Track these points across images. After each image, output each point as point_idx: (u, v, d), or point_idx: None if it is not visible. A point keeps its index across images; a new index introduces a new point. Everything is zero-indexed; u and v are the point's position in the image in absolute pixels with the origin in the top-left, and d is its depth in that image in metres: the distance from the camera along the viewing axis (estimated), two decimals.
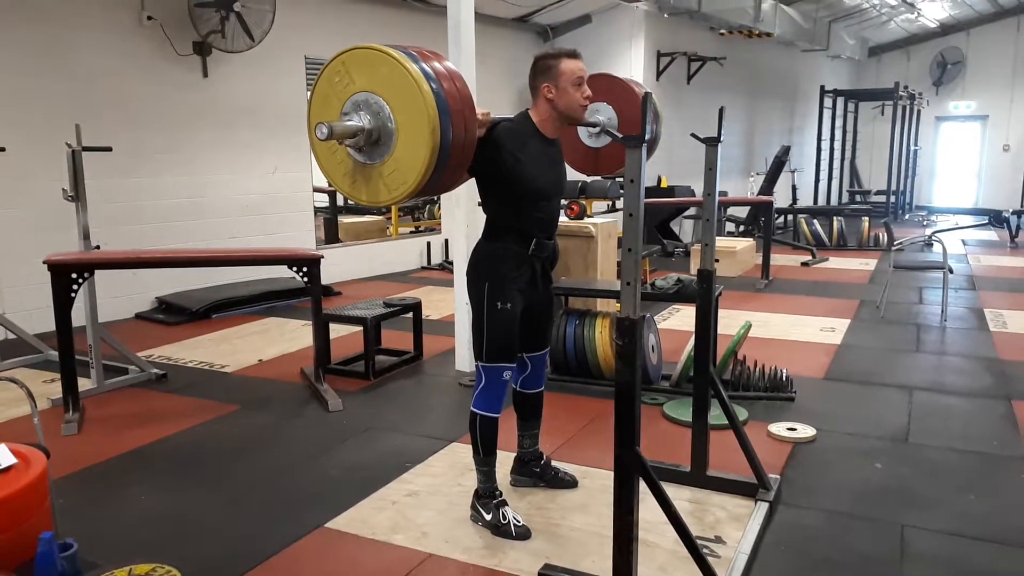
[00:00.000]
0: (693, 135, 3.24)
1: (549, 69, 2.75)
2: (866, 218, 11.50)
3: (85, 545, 2.52)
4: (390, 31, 8.32)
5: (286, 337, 5.94)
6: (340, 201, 9.38)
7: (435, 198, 9.72)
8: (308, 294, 4.59)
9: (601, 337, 4.52)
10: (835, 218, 11.36)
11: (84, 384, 4.39)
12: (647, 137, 2.11)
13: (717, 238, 5.31)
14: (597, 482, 3.27)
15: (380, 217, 9.79)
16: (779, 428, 3.89)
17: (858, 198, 16.41)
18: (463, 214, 4.80)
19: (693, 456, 3.21)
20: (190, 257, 5.57)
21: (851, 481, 3.36)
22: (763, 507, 3.02)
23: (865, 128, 17.40)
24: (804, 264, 9.58)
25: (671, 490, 2.65)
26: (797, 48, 14.18)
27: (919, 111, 16.14)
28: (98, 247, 4.66)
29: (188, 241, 6.90)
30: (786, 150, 11.81)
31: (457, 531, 2.91)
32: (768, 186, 11.56)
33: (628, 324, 2.13)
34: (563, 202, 5.65)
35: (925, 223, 14.39)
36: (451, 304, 5.24)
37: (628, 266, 2.14)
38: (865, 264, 9.60)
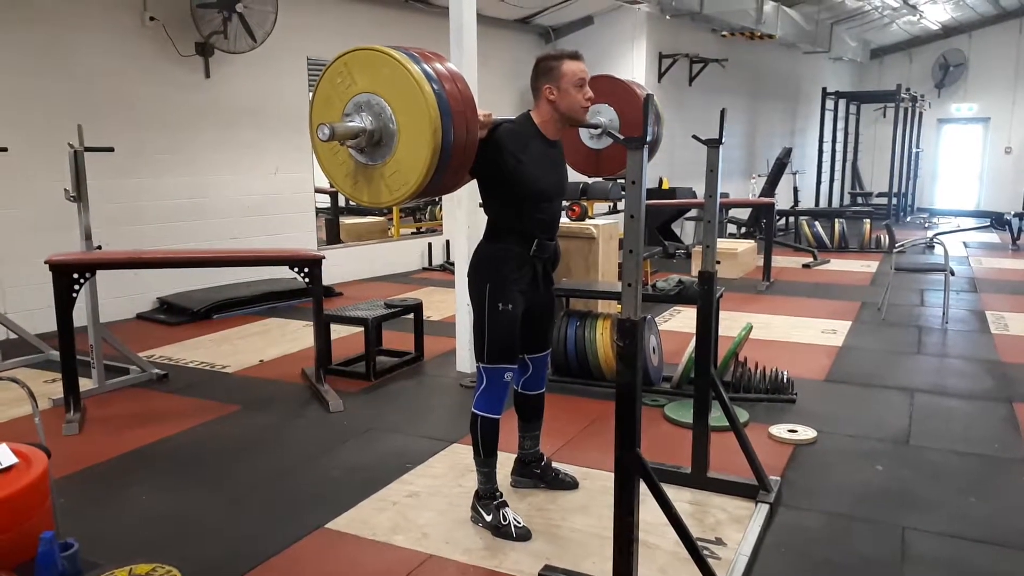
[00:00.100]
0: (695, 137, 3.24)
1: (551, 71, 2.75)
2: (868, 220, 11.49)
3: (86, 545, 2.52)
4: (392, 32, 8.33)
5: (287, 338, 5.94)
6: (341, 202, 9.38)
7: (436, 199, 9.73)
8: (309, 295, 4.59)
9: (602, 338, 4.52)
10: (836, 220, 11.35)
11: (85, 384, 4.39)
12: (648, 139, 2.11)
13: (718, 240, 5.32)
14: (598, 483, 3.27)
15: (381, 218, 9.79)
16: (780, 430, 3.89)
17: (860, 200, 16.41)
18: (464, 215, 4.80)
19: (694, 458, 3.21)
20: (191, 258, 5.57)
21: (852, 483, 3.35)
22: (764, 509, 3.02)
23: (867, 130, 17.39)
24: (805, 266, 9.57)
25: (672, 492, 2.65)
26: (799, 50, 14.18)
27: (921, 113, 16.13)
28: (99, 247, 4.66)
29: (189, 241, 6.90)
30: (788, 152, 11.81)
31: (457, 532, 2.91)
32: (770, 188, 11.56)
33: (629, 325, 2.13)
34: (564, 203, 5.65)
35: (927, 225, 14.38)
36: (452, 305, 5.24)
37: (629, 267, 2.14)
38: (866, 266, 9.60)
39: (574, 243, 5.53)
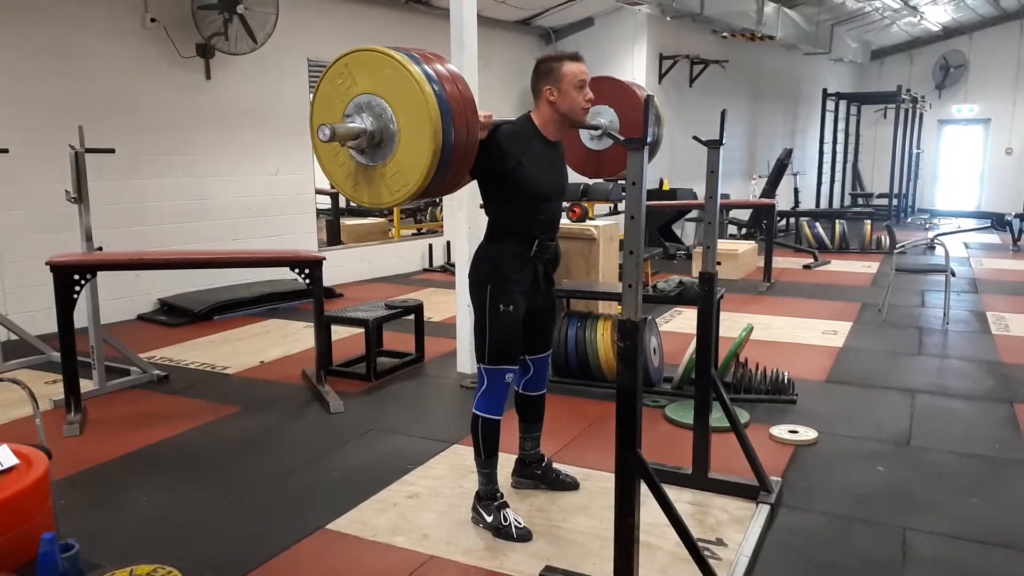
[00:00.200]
0: (695, 138, 3.24)
1: (551, 72, 2.75)
2: (868, 221, 11.49)
3: (86, 546, 2.52)
4: (393, 33, 8.33)
5: (288, 339, 5.94)
6: (342, 203, 9.38)
7: (437, 200, 9.73)
8: (310, 296, 4.59)
9: (603, 339, 4.52)
10: (837, 221, 11.35)
11: (86, 385, 4.39)
12: (649, 140, 2.11)
13: (719, 241, 5.32)
14: (598, 484, 3.27)
15: (382, 219, 9.79)
16: (781, 431, 3.89)
17: (860, 201, 16.40)
18: (465, 216, 4.81)
19: (694, 458, 3.21)
20: (192, 259, 5.58)
21: (853, 484, 3.35)
22: (764, 510, 3.02)
23: (867, 131, 17.38)
24: (806, 267, 9.57)
25: (672, 492, 2.65)
26: (799, 51, 14.18)
27: (921, 114, 16.12)
28: (100, 248, 4.66)
29: (190, 243, 6.91)
30: (788, 153, 11.81)
31: (458, 533, 2.91)
32: (770, 189, 11.56)
33: (630, 326, 2.13)
34: (565, 204, 5.66)
35: (927, 226, 14.38)
36: (453, 306, 5.25)
37: (630, 268, 2.14)
38: (867, 267, 9.59)
39: (575, 244, 5.53)
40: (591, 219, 6.53)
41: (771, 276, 8.31)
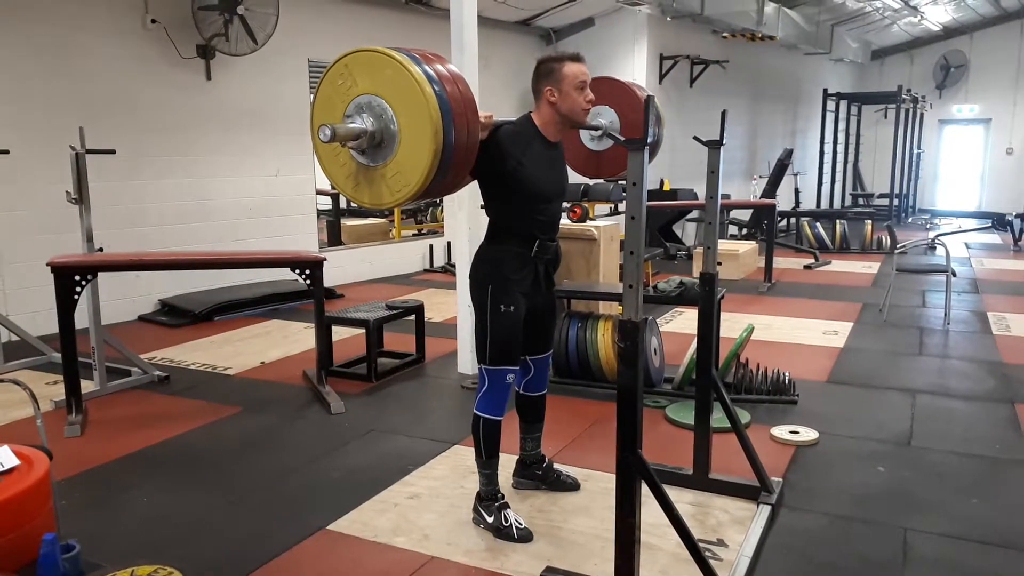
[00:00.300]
0: (696, 138, 3.24)
1: (552, 72, 2.75)
2: (869, 221, 11.49)
3: (87, 546, 2.52)
4: (393, 34, 8.34)
5: (288, 339, 5.94)
6: (343, 204, 9.39)
7: (437, 201, 9.73)
8: (311, 297, 4.59)
9: (603, 340, 4.52)
10: (838, 221, 11.35)
11: (87, 386, 4.39)
12: (649, 140, 2.11)
13: (720, 241, 5.31)
14: (599, 485, 3.27)
15: (383, 220, 9.79)
16: (781, 431, 3.89)
17: (861, 201, 16.39)
18: (466, 217, 4.81)
19: (695, 459, 3.21)
20: (193, 259, 5.57)
21: (853, 484, 3.35)
22: (765, 510, 3.02)
23: (868, 131, 17.38)
24: (807, 267, 9.57)
25: (673, 493, 2.65)
26: (800, 51, 14.18)
27: (922, 114, 16.12)
28: (101, 249, 4.67)
29: (191, 243, 6.91)
30: (789, 153, 11.81)
31: (459, 534, 2.91)
32: (771, 189, 11.56)
33: (630, 327, 2.13)
34: (565, 205, 5.66)
35: (928, 226, 14.38)
36: (453, 307, 5.24)
37: (630, 269, 2.14)
38: (868, 267, 9.59)
39: (575, 244, 5.53)
40: (592, 219, 6.53)
41: (772, 276, 8.31)
